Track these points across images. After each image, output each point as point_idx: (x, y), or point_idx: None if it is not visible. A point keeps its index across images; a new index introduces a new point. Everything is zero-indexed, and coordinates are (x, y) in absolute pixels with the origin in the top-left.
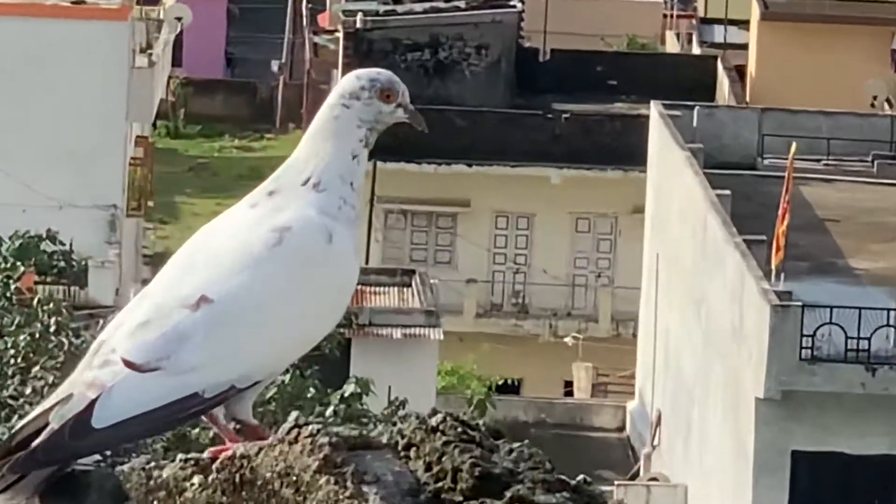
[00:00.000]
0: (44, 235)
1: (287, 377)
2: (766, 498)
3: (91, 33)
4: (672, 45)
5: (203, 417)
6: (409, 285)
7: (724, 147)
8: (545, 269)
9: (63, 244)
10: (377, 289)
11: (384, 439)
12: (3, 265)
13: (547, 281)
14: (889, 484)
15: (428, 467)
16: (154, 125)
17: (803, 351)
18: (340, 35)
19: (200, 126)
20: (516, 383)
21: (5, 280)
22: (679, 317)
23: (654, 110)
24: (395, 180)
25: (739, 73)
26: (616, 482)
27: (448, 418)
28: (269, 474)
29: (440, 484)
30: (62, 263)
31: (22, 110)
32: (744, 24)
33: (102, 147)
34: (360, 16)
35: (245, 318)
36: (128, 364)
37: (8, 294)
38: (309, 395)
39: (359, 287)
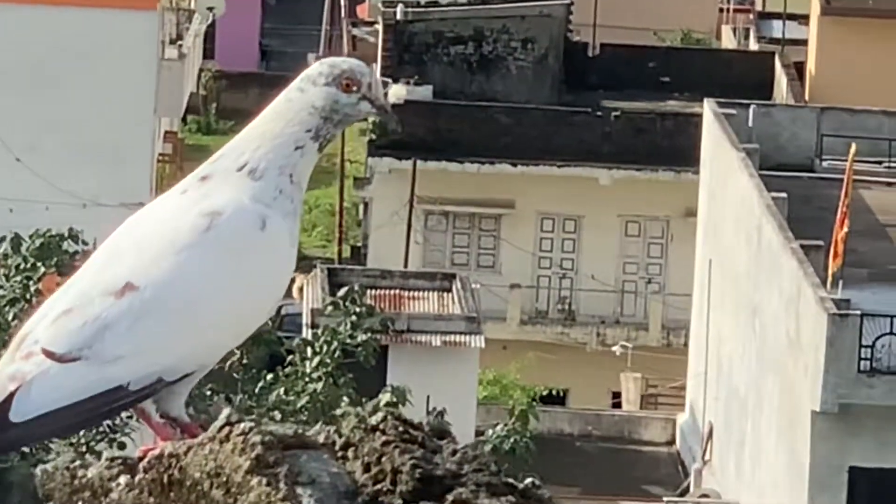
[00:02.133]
0: (66, 234)
1: (319, 385)
2: None
3: (118, 23)
4: (728, 41)
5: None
6: (450, 290)
7: (780, 148)
8: (593, 274)
9: (86, 244)
10: (416, 293)
11: (321, 438)
12: (23, 265)
13: (595, 287)
14: None
15: (366, 468)
16: (184, 120)
17: (862, 362)
18: (380, 27)
19: (233, 122)
20: (562, 394)
21: (25, 281)
22: (732, 325)
23: (709, 109)
24: (435, 180)
25: (798, 70)
26: (665, 498)
27: (389, 417)
28: (198, 474)
29: (379, 486)
30: None
31: (44, 103)
32: (804, 18)
33: (129, 143)
34: (400, 7)
35: (172, 307)
36: (48, 354)
37: (28, 296)
38: (342, 405)
39: (397, 291)
